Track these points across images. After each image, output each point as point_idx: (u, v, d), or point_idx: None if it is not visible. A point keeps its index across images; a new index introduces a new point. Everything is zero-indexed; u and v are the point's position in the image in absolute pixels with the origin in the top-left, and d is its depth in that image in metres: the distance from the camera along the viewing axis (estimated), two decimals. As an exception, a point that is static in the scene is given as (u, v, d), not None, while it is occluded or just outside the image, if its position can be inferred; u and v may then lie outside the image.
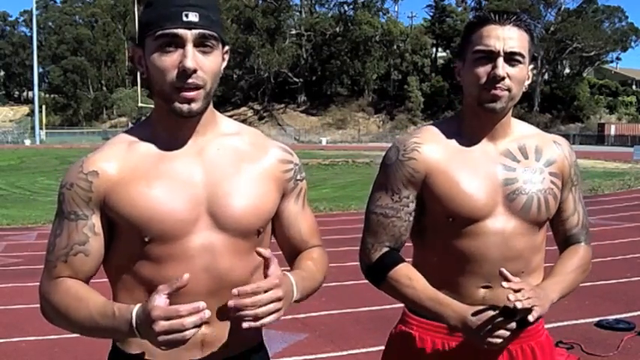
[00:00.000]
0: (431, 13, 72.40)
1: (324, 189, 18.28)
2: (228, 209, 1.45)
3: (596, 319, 5.17)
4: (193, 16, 1.37)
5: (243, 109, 70.56)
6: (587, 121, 61.84)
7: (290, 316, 5.34)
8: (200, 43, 1.38)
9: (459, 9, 69.16)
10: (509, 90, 1.65)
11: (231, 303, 1.32)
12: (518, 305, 1.51)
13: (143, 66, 1.44)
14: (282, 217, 1.59)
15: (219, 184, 1.47)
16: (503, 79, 1.63)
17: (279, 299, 1.35)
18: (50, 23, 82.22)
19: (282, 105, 70.37)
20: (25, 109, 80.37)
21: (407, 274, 1.74)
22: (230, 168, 1.49)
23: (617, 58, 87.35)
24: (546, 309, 1.62)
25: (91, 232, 1.45)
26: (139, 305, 1.33)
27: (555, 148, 1.81)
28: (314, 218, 1.68)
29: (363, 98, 68.63)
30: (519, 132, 1.80)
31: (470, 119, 1.75)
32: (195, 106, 1.39)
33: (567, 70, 67.16)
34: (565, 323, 4.98)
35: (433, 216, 1.75)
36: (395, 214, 1.76)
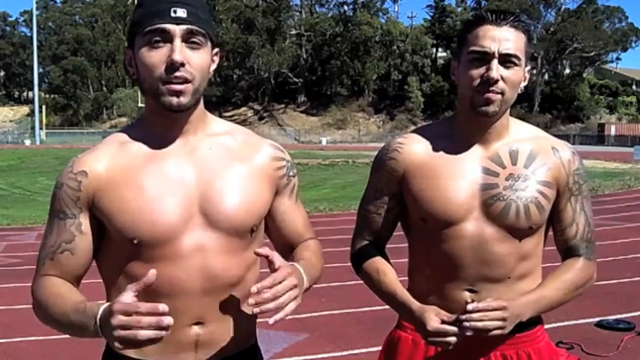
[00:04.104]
0: (431, 14, 72.49)
1: (324, 189, 18.28)
2: (220, 208, 1.46)
3: (597, 319, 5.17)
4: (181, 12, 1.39)
5: (243, 109, 70.53)
6: (587, 122, 61.81)
7: (290, 316, 5.31)
8: (188, 38, 1.40)
9: (459, 9, 69.14)
10: (502, 93, 1.60)
11: (252, 301, 1.31)
12: (465, 325, 1.56)
13: (133, 67, 1.45)
14: (276, 213, 1.60)
15: (211, 183, 1.47)
16: (496, 81, 1.58)
17: (295, 286, 1.36)
18: (50, 23, 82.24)
19: (282, 105, 70.34)
20: (25, 109, 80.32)
21: (377, 268, 1.79)
22: (222, 166, 1.49)
23: (617, 59, 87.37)
24: (508, 329, 1.60)
25: (77, 230, 1.46)
26: (108, 303, 1.32)
27: (552, 155, 1.72)
28: (305, 212, 1.71)
29: (363, 98, 68.59)
30: (517, 135, 1.73)
31: (463, 120, 1.72)
32: (184, 99, 1.40)
33: (567, 71, 67.12)
34: (565, 323, 4.99)
35: (411, 217, 1.77)
36: (375, 211, 1.82)
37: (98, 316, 1.29)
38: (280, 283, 1.34)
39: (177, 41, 1.38)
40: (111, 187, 1.44)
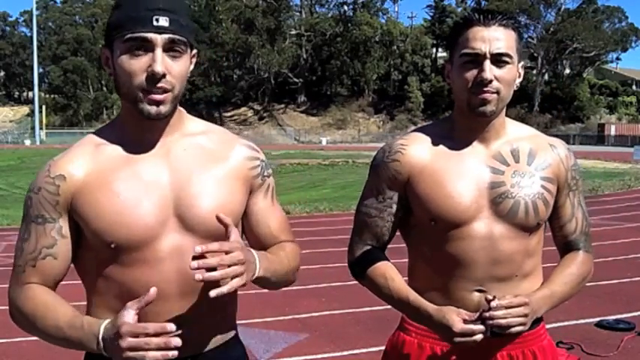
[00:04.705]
0: (431, 14, 72.56)
1: (324, 189, 18.28)
2: (195, 210, 1.45)
3: (597, 319, 5.18)
4: (164, 21, 1.37)
5: (243, 109, 70.54)
6: (587, 122, 61.85)
7: (290, 316, 5.34)
8: (169, 47, 1.38)
9: (459, 9, 69.12)
10: (498, 92, 1.62)
11: (194, 264, 1.26)
12: (489, 322, 1.56)
13: (111, 67, 1.44)
14: (251, 214, 1.58)
15: (185, 186, 1.46)
16: (490, 81, 1.60)
17: (241, 262, 1.32)
18: (50, 23, 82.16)
19: (282, 105, 70.36)
20: (25, 109, 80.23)
21: (384, 273, 1.75)
22: (196, 168, 1.49)
23: (617, 59, 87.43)
24: (528, 325, 1.61)
25: (58, 235, 1.45)
26: (108, 320, 1.32)
27: (551, 152, 1.75)
28: (284, 215, 1.68)
29: (363, 98, 68.62)
30: (514, 134, 1.75)
31: (461, 121, 1.73)
32: (163, 108, 1.40)
33: (567, 71, 67.15)
34: (565, 323, 4.99)
35: (418, 219, 1.75)
36: (378, 215, 1.78)
37: (100, 336, 1.30)
38: (227, 253, 1.30)
39: (159, 51, 1.36)
40: (88, 190, 1.43)
